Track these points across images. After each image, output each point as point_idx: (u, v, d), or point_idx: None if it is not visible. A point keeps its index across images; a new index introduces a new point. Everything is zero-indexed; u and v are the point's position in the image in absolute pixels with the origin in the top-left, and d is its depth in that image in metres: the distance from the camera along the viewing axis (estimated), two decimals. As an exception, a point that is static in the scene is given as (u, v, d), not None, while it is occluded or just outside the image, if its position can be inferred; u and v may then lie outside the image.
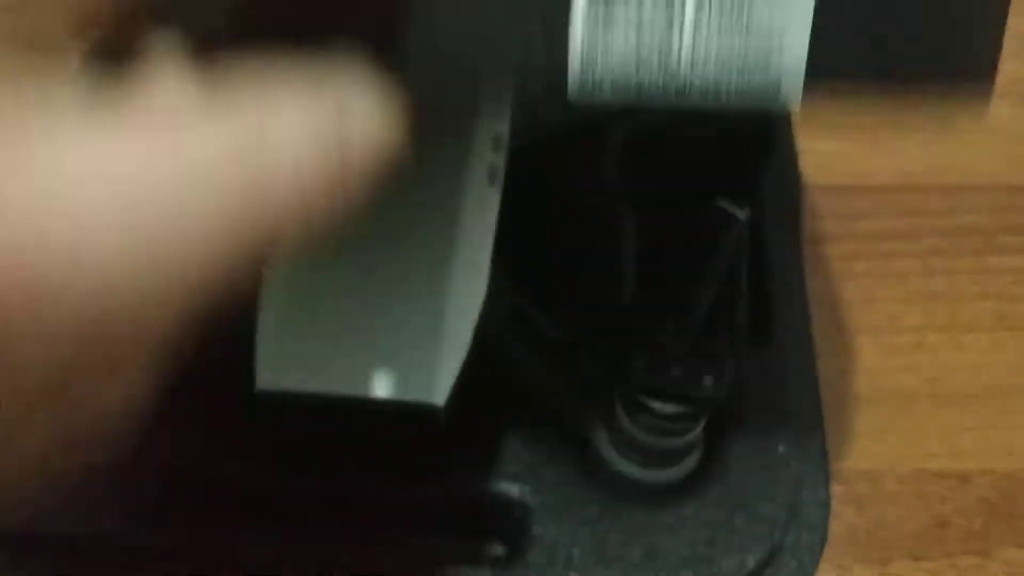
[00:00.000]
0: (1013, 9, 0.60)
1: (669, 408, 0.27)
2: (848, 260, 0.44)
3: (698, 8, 0.21)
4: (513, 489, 0.29)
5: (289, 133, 0.18)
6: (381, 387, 0.28)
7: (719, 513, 0.28)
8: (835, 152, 0.47)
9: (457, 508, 0.29)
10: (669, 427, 0.27)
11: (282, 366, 0.29)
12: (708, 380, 0.26)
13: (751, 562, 0.28)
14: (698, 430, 0.28)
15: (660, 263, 0.37)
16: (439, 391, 0.28)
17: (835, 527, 0.35)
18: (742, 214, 0.29)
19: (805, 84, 0.23)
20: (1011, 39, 0.56)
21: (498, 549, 0.30)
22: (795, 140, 0.38)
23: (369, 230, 0.31)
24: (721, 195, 0.31)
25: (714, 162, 0.39)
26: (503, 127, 0.36)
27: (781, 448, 0.29)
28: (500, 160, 0.34)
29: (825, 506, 0.29)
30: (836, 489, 0.36)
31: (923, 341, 0.41)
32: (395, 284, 0.30)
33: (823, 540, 0.29)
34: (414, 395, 0.28)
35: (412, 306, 0.30)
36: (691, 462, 0.29)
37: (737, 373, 0.27)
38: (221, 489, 0.30)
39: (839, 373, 0.39)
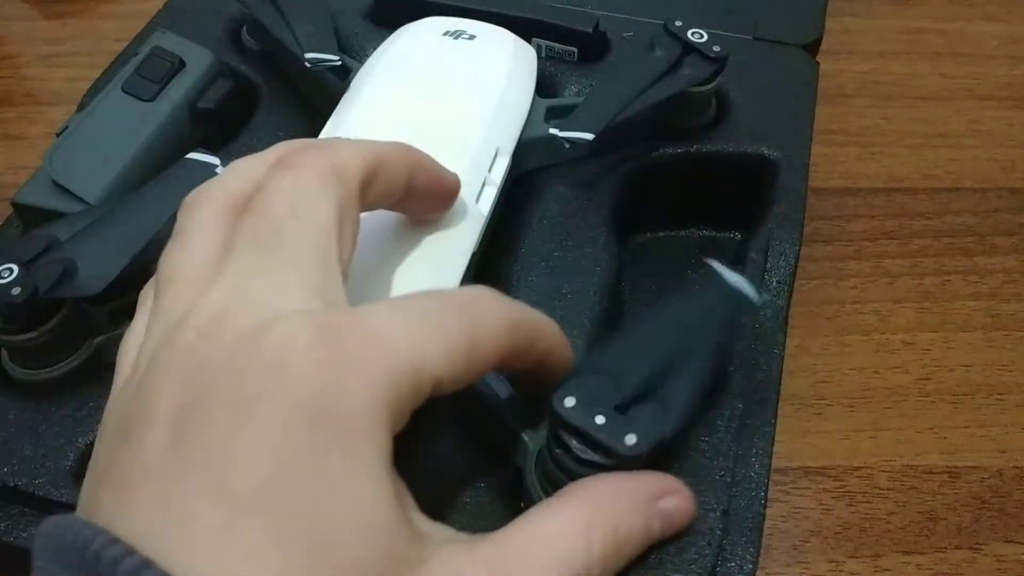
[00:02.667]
0: (1002, 14, 0.61)
1: (587, 454, 0.26)
2: (840, 260, 0.44)
3: None
4: (433, 513, 0.29)
5: None
6: None
7: (630, 569, 0.26)
8: (826, 155, 0.48)
9: None
10: (586, 473, 0.26)
11: None
12: (631, 438, 0.25)
13: None
14: None
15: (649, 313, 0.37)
16: None
17: (827, 522, 0.35)
18: (756, 298, 0.28)
19: None
20: (998, 43, 0.57)
21: None
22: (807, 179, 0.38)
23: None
24: (738, 270, 0.29)
25: (721, 195, 0.40)
26: (507, 146, 0.36)
27: (716, 513, 0.28)
28: (497, 176, 0.35)
29: None
30: (829, 485, 0.36)
31: (914, 340, 0.41)
32: (356, 291, 0.30)
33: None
34: None
35: None
36: None
37: (663, 440, 0.26)
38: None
39: (831, 372, 0.40)
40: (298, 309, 0.21)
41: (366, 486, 0.20)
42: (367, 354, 0.21)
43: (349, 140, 0.26)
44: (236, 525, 0.19)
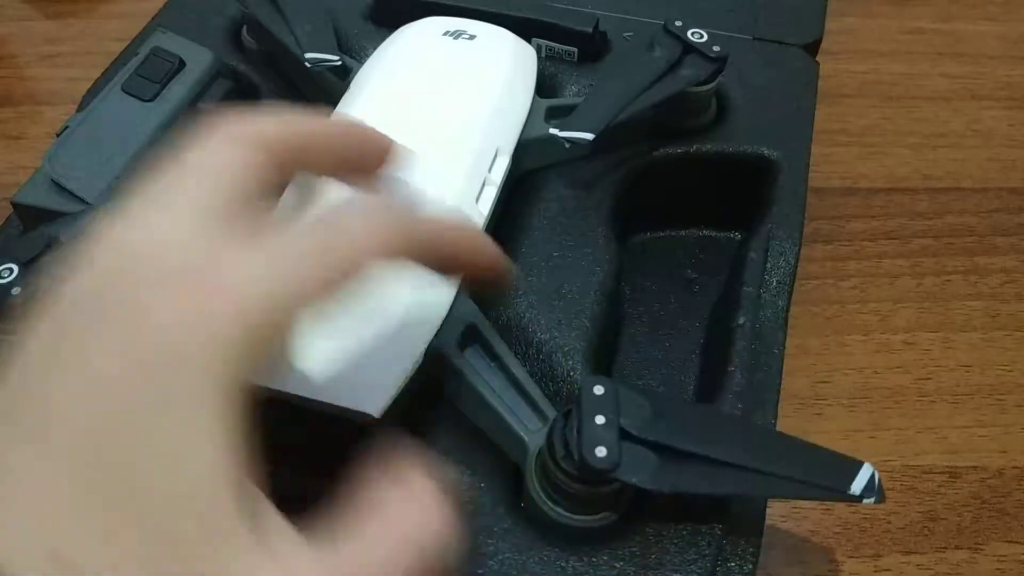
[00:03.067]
0: (1002, 14, 0.61)
1: (560, 440, 0.27)
2: (840, 261, 0.44)
3: None
4: None
5: None
6: (325, 391, 0.29)
7: (630, 568, 0.27)
8: (826, 155, 0.48)
9: None
10: (566, 482, 0.27)
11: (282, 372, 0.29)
12: (600, 451, 0.26)
13: None
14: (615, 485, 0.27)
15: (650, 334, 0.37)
16: (377, 402, 0.28)
17: (827, 522, 0.35)
18: (855, 496, 0.27)
19: None
20: (998, 43, 0.57)
21: None
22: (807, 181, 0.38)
23: None
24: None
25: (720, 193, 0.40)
26: (507, 146, 0.36)
27: (717, 511, 0.28)
28: (497, 176, 0.35)
29: None
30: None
31: (914, 340, 0.41)
32: (362, 293, 0.30)
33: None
34: (353, 403, 0.28)
35: (372, 316, 0.30)
36: (612, 514, 0.28)
37: (636, 487, 0.26)
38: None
39: (831, 371, 0.40)
40: (161, 255, 0.21)
41: (199, 444, 0.19)
42: (217, 304, 0.20)
43: (282, 114, 0.26)
44: (40, 472, 0.18)
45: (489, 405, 0.29)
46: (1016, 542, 0.35)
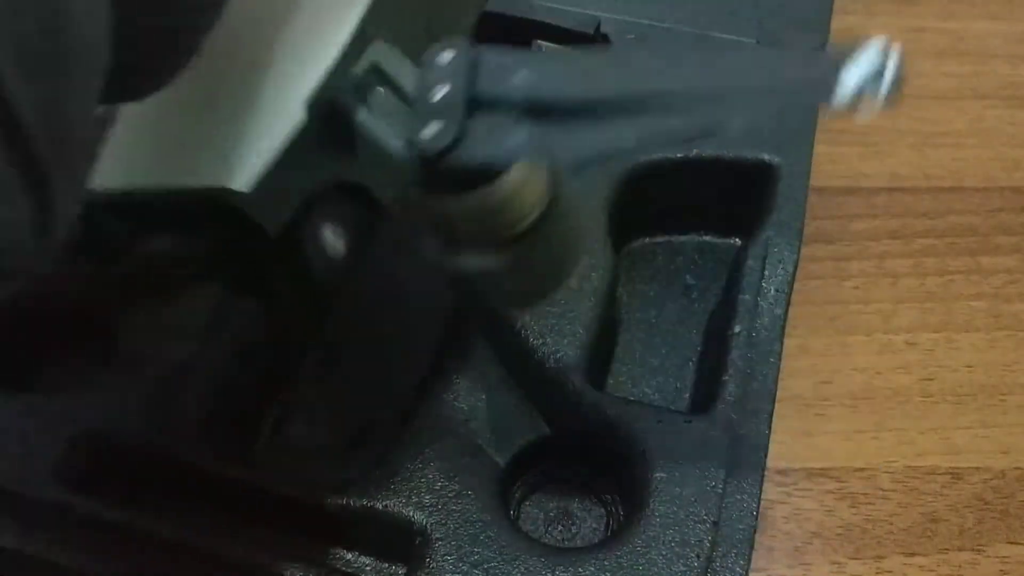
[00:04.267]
0: (1004, 13, 0.61)
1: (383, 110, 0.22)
2: (842, 261, 0.44)
3: None
4: (419, 516, 0.29)
5: None
6: (189, 175, 0.23)
7: None
8: (828, 154, 0.48)
9: (363, 523, 0.30)
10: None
11: (113, 166, 0.22)
12: (431, 129, 0.20)
13: None
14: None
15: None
16: (242, 175, 0.23)
17: (829, 523, 0.35)
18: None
19: None
20: (1001, 42, 0.57)
21: (400, 570, 0.30)
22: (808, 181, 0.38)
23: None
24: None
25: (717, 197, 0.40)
26: None
27: (706, 525, 0.28)
28: None
29: None
30: (831, 486, 0.36)
31: (917, 340, 0.41)
32: (235, 63, 0.24)
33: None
34: (213, 179, 0.23)
35: (246, 85, 0.24)
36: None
37: (494, 131, 0.19)
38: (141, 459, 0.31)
39: (834, 372, 0.40)
40: None
41: None
42: None
43: None
44: None
45: (389, 154, 0.22)
46: (1019, 543, 0.35)
